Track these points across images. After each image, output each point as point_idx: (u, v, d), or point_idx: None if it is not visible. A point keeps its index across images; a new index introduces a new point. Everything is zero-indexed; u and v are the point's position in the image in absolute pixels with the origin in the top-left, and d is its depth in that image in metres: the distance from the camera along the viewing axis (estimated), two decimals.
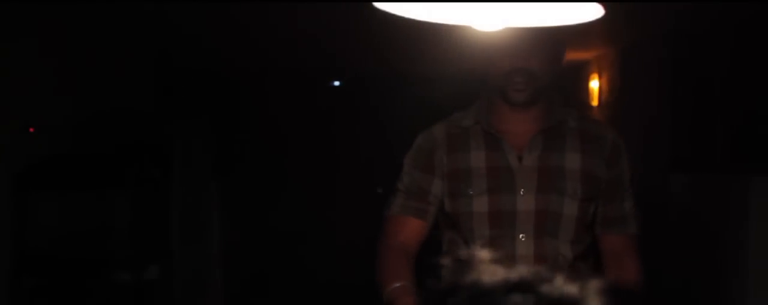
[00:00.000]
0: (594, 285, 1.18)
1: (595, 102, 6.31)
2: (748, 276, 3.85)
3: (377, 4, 1.25)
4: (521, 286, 1.20)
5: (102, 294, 4.26)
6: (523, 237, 2.01)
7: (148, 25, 4.79)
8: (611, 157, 2.05)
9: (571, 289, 1.18)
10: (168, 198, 5.12)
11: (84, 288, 4.21)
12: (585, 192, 2.02)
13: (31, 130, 4.13)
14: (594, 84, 6.30)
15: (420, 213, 2.08)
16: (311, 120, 7.82)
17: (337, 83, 8.41)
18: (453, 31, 1.83)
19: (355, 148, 7.73)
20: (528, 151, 2.01)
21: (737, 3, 3.78)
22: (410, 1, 1.24)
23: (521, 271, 1.23)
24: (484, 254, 1.30)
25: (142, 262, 4.51)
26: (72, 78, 4.53)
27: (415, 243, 2.08)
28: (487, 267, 1.24)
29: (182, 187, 5.26)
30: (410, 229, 2.08)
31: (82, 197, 4.28)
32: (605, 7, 1.22)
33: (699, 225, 4.46)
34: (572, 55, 6.29)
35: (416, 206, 2.07)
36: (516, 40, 1.93)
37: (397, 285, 1.90)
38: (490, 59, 2.00)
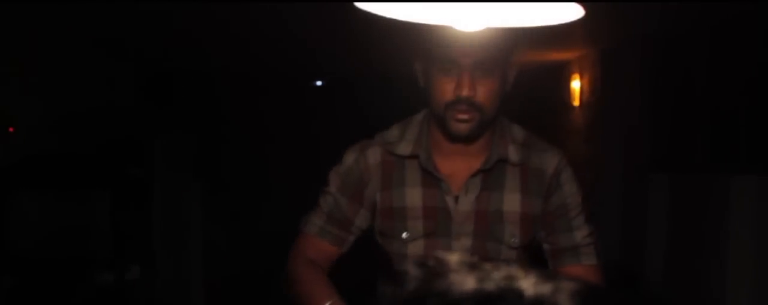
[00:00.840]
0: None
1: (576, 102, 6.34)
2: (727, 274, 3.88)
3: (358, 4, 1.26)
4: None
5: (83, 294, 4.24)
6: None
7: (131, 25, 4.77)
8: (550, 189, 1.88)
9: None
10: (150, 198, 5.10)
11: (65, 288, 4.19)
12: (523, 239, 1.88)
13: (11, 130, 4.11)
14: (575, 84, 6.33)
15: (337, 241, 1.93)
16: (294, 120, 7.81)
17: (319, 83, 8.41)
18: (433, 31, 1.77)
19: (337, 148, 7.72)
20: (464, 192, 1.86)
21: (717, 4, 3.81)
22: (391, 1, 1.25)
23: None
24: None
25: (123, 262, 4.49)
26: (52, 78, 4.51)
27: (326, 266, 1.93)
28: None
29: (164, 187, 5.25)
30: (324, 252, 1.94)
31: (63, 197, 4.26)
32: (585, 8, 1.23)
33: (679, 225, 4.49)
34: (554, 56, 6.32)
35: (336, 234, 1.93)
36: (463, 67, 1.73)
37: (329, 303, 1.77)
38: (433, 84, 1.78)
